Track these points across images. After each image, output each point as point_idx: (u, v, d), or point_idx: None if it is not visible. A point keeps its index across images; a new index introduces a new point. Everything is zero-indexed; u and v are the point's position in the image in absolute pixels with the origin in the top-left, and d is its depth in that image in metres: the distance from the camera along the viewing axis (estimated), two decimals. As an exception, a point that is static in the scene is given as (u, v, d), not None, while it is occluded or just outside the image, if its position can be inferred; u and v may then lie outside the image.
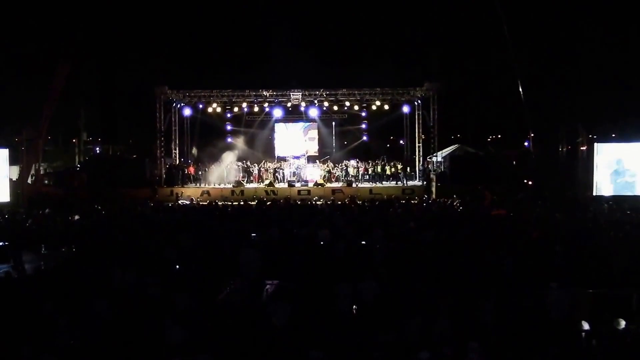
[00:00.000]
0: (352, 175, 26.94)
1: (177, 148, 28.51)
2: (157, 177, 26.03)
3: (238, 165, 27.23)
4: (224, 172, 26.50)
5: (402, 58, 31.69)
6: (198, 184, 26.39)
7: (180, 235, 12.38)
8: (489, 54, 30.60)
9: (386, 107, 28.00)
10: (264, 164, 27.92)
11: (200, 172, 26.97)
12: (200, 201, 22.55)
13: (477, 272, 9.11)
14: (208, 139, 29.42)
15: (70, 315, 7.16)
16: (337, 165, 28.16)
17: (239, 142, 30.07)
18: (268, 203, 19.92)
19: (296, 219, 15.02)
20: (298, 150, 30.76)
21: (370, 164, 27.44)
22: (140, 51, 31.53)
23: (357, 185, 25.82)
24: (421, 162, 27.99)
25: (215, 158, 27.33)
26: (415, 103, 28.17)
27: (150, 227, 14.30)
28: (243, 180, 26.46)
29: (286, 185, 25.84)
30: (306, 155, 29.61)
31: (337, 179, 27.22)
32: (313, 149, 31.26)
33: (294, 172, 27.34)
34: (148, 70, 29.12)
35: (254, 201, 21.48)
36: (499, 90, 31.08)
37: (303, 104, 27.98)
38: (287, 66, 28.42)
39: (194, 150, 30.23)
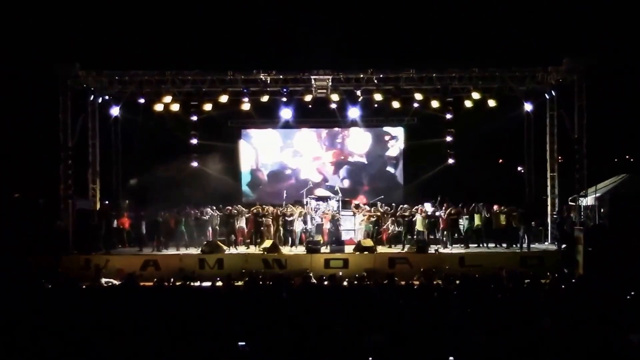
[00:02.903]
0: (426, 232, 26.76)
1: (99, 179, 28.55)
2: (61, 233, 26.18)
3: (212, 213, 27.41)
4: (188, 225, 26.76)
5: (519, 15, 31.76)
6: (138, 248, 26.49)
7: (105, 344, 12.24)
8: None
9: (491, 103, 27.91)
10: (260, 210, 27.70)
11: (141, 226, 27.06)
12: (143, 280, 22.38)
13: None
14: (156, 163, 29.60)
15: None
16: (397, 212, 27.78)
17: (214, 167, 30.39)
18: (269, 283, 19.88)
19: (322, 313, 14.71)
20: (323, 182, 31.24)
21: (461, 210, 27.25)
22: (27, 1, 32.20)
23: (436, 250, 25.74)
24: (557, 207, 27.88)
25: (170, 199, 27.55)
26: (546, 96, 28.10)
27: (49, 330, 14.08)
28: (222, 241, 26.48)
29: (302, 249, 25.86)
30: (339, 194, 29.68)
31: (398, 240, 27.12)
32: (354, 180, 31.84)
33: (317, 225, 27.32)
34: (43, 36, 29.62)
35: (242, 279, 21.47)
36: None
37: (334, 96, 28.06)
38: (306, 31, 28.90)
39: (133, 181, 30.54)
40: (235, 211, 27.48)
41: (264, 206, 28.26)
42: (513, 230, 26.57)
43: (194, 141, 28.73)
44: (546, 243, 27.28)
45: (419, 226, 26.86)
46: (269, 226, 27.25)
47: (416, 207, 27.74)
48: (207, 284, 21.36)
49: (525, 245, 25.99)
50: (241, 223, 27.43)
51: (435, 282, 20.61)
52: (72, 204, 26.77)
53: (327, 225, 27.35)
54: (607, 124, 27.37)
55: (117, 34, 31.28)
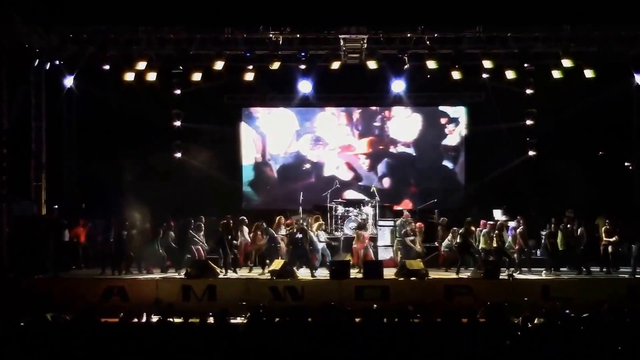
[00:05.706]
0: (495, 250, 25.81)
1: (45, 174, 27.70)
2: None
3: (198, 223, 26.55)
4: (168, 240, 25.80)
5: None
6: (101, 270, 25.69)
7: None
8: None
9: (588, 73, 27.01)
10: (265, 223, 26.77)
11: (107, 240, 26.09)
12: (104, 314, 21.08)
13: None
14: (125, 153, 29.25)
15: None
16: (452, 221, 27.23)
17: (204, 159, 29.80)
18: (277, 320, 18.48)
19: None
20: (355, 180, 30.86)
21: (546, 220, 26.29)
22: None
23: (509, 274, 24.65)
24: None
25: (144, 202, 26.70)
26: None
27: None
28: (215, 261, 25.47)
29: (325, 272, 25.02)
30: (377, 198, 28.83)
31: (458, 259, 26.11)
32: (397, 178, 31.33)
33: (345, 239, 26.75)
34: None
35: (242, 314, 20.68)
36: None
37: (371, 64, 27.06)
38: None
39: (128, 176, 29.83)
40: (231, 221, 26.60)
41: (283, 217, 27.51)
42: (616, 246, 25.42)
43: (178, 123, 28.74)
44: (663, 268, 26.09)
45: (482, 243, 26.20)
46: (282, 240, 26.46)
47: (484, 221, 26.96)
48: (195, 320, 19.58)
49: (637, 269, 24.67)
50: (244, 236, 26.59)
51: (508, 320, 19.28)
52: (7, 209, 25.94)
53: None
54: None
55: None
